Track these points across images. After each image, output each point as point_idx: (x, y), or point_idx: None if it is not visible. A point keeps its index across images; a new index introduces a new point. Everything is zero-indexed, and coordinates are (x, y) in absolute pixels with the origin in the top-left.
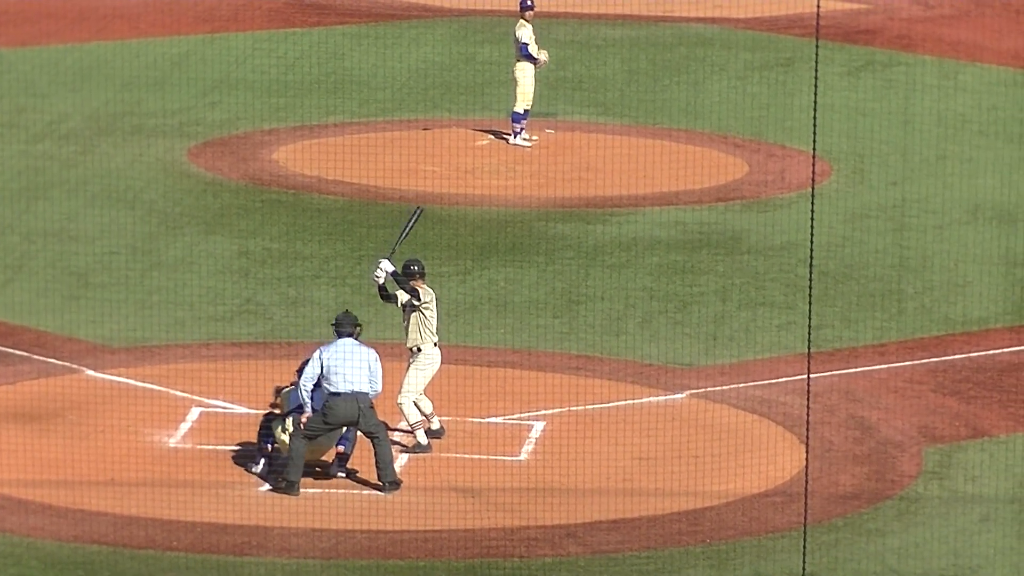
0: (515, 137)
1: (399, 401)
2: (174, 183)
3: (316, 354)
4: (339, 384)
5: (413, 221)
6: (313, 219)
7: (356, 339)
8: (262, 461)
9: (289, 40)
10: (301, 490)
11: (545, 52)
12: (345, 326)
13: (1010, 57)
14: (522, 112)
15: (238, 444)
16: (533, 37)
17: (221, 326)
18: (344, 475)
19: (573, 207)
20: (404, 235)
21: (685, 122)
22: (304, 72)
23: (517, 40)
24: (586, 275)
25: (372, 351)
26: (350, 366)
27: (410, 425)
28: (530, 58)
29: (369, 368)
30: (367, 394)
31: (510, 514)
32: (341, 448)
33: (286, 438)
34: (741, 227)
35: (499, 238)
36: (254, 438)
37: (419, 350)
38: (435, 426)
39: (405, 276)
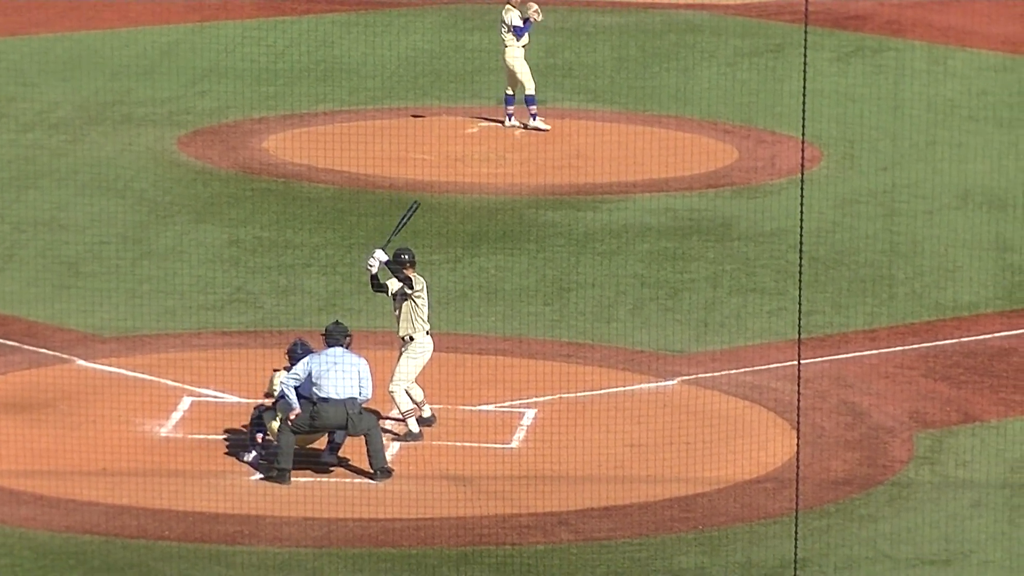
0: (534, 120)
1: (390, 389)
2: (164, 172)
3: (306, 360)
4: (328, 390)
5: (410, 214)
6: (303, 207)
7: (347, 348)
8: (253, 450)
9: (278, 28)
10: (292, 479)
11: (534, 4)
12: (335, 336)
13: (999, 42)
14: (534, 95)
15: (229, 433)
16: (522, 20)
17: (212, 315)
18: (336, 463)
19: (563, 194)
20: (400, 227)
21: (675, 109)
22: (293, 60)
23: (508, 24)
24: (576, 262)
25: (362, 359)
26: (339, 372)
27: (401, 413)
28: (521, 32)
29: (359, 374)
30: (356, 399)
31: (502, 502)
32: (333, 437)
33: (277, 427)
34: (731, 213)
35: (489, 226)
36: (245, 427)
37: (411, 339)
38: (426, 414)
39: (397, 265)
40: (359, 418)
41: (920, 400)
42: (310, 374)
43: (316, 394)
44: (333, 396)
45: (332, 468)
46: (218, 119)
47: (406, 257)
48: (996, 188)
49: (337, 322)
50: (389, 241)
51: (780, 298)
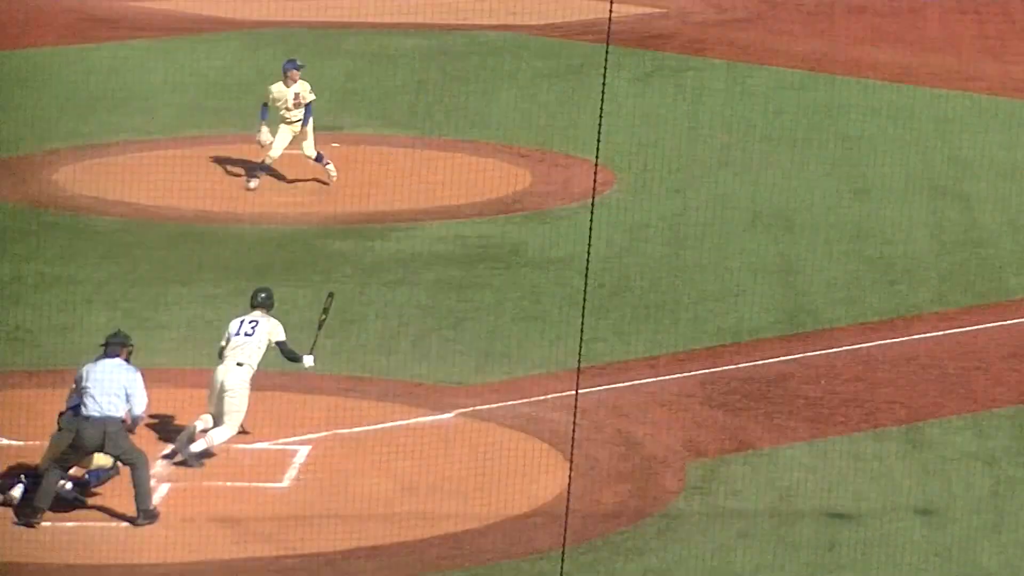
0: (252, 180)
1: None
2: None
3: (80, 370)
4: (89, 407)
5: (328, 307)
6: (89, 241)
7: (126, 360)
8: (16, 490)
9: (82, 55)
10: (50, 522)
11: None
12: (112, 346)
13: (799, 60)
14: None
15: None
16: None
17: None
18: (77, 497)
19: (354, 223)
20: (322, 323)
21: (473, 133)
22: (92, 88)
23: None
24: (362, 293)
25: (137, 373)
26: (104, 387)
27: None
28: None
29: (125, 390)
30: (117, 418)
31: (268, 543)
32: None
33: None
34: (521, 239)
35: (276, 257)
36: (16, 469)
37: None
38: (196, 448)
39: (258, 306)
40: (117, 437)
41: (696, 429)
42: (77, 385)
43: (81, 411)
44: (94, 414)
45: (86, 507)
46: (11, 152)
47: (263, 296)
48: (784, 209)
49: (119, 331)
50: (315, 342)
51: (564, 326)
